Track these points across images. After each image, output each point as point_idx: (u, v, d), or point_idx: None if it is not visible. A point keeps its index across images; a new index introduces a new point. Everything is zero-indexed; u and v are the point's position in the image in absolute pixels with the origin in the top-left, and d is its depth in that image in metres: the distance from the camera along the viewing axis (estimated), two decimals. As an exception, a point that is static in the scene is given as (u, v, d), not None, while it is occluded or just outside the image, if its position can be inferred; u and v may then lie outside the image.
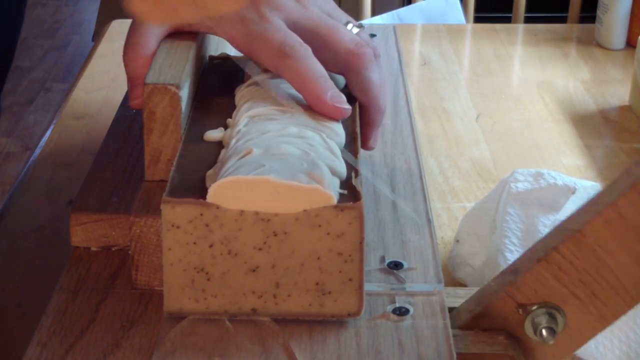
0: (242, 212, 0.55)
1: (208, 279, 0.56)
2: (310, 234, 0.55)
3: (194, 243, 0.55)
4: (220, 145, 0.63)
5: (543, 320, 0.59)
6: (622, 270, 0.57)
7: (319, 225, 0.55)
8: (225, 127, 0.65)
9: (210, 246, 0.55)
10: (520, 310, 0.59)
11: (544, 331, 0.59)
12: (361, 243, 0.56)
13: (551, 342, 0.59)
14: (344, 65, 0.68)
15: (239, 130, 0.61)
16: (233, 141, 0.60)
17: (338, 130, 0.63)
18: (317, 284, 0.56)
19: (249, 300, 0.57)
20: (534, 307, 0.59)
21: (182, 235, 0.55)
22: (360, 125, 0.67)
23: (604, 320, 0.59)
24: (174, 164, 0.60)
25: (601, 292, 0.58)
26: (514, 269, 0.60)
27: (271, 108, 0.63)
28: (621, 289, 0.58)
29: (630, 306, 0.58)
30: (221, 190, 0.55)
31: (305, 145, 0.59)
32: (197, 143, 0.63)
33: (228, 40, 0.69)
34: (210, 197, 0.55)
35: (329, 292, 0.56)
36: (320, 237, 0.55)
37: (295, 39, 0.65)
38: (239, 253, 0.56)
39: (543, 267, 0.58)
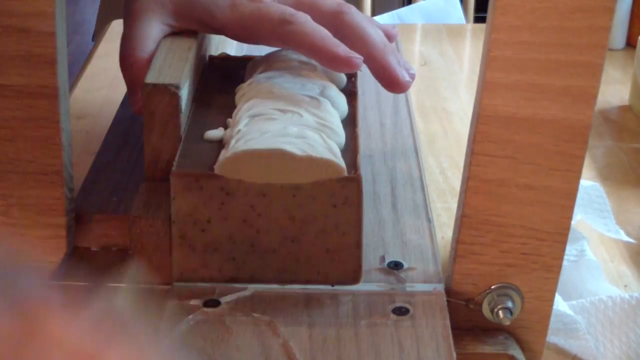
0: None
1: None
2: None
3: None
4: (220, 145, 0.63)
5: (497, 303, 0.60)
6: (521, 218, 0.58)
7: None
8: (226, 126, 0.65)
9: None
10: (471, 305, 0.60)
11: (500, 313, 0.59)
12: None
13: (507, 323, 0.60)
14: (332, 26, 0.68)
15: (239, 130, 0.62)
16: (233, 141, 0.61)
17: (338, 131, 0.63)
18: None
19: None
20: (481, 296, 0.60)
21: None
22: (379, 77, 0.68)
23: (552, 266, 0.59)
24: (174, 163, 0.60)
25: (526, 248, 0.59)
26: (447, 276, 0.61)
27: (272, 108, 0.64)
28: (537, 232, 0.58)
29: (559, 240, 0.59)
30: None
31: (305, 145, 0.59)
32: (197, 143, 0.63)
33: (223, 31, 0.69)
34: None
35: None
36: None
37: (291, 9, 0.67)
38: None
39: (461, 262, 0.59)
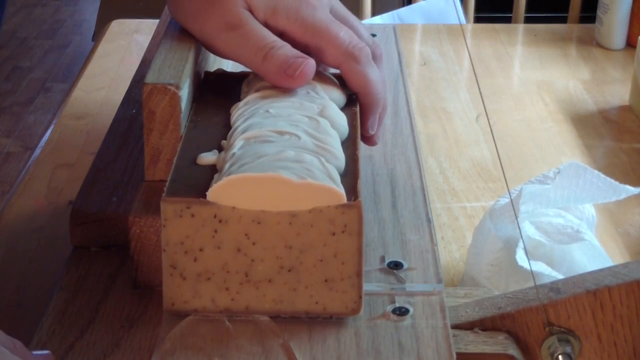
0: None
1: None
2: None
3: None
4: (214, 168, 0.60)
5: (561, 346, 0.59)
6: None
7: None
8: (220, 149, 0.62)
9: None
10: (547, 329, 0.60)
11: (560, 357, 0.59)
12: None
13: None
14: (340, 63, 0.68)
15: (234, 154, 0.59)
16: (227, 165, 0.58)
17: (338, 154, 0.60)
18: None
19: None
20: (560, 331, 0.59)
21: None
22: (361, 120, 0.67)
23: None
24: (165, 189, 0.57)
25: (621, 345, 0.59)
26: (556, 288, 0.60)
27: (268, 129, 0.61)
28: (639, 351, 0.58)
29: None
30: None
31: (303, 170, 0.57)
32: (190, 166, 0.61)
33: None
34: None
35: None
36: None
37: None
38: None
39: (588, 299, 0.59)
